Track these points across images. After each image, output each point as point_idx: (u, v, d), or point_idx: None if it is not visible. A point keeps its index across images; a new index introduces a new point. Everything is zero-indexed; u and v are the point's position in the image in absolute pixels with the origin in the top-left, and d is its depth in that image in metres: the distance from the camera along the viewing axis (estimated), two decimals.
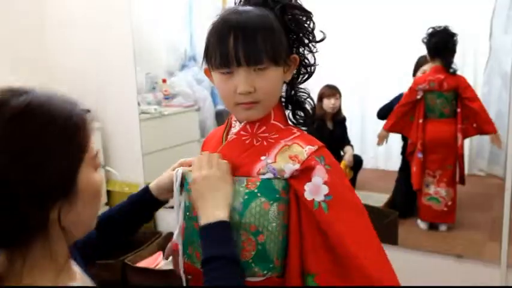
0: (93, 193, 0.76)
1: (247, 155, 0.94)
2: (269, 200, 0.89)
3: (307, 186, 0.87)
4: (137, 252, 2.46)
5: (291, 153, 0.90)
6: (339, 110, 2.62)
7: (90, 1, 2.78)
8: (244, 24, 0.87)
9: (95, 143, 0.78)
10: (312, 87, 1.04)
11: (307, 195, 0.87)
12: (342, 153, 2.63)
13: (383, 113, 2.52)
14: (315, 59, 1.00)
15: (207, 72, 0.98)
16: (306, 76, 1.02)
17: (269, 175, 0.90)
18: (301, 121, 1.01)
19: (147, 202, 1.07)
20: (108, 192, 2.92)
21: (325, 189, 0.87)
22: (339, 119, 2.64)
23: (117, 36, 2.70)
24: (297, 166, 0.88)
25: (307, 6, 0.97)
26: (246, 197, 0.89)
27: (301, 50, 0.98)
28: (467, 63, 2.35)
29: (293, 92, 1.01)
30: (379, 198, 2.58)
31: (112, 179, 2.91)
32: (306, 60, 1.00)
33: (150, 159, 2.78)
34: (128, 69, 2.70)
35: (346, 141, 2.65)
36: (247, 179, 0.91)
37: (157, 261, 2.35)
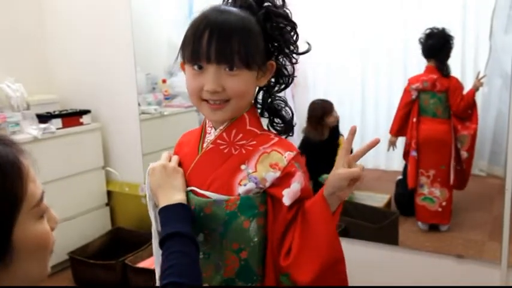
0: (36, 247, 0.63)
1: (227, 166, 0.92)
2: (248, 217, 0.90)
3: (286, 192, 0.89)
4: (137, 252, 2.46)
5: (271, 160, 0.90)
6: None
7: (90, 1, 2.78)
8: (222, 23, 0.86)
9: (42, 186, 0.65)
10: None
11: (285, 200, 0.89)
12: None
13: None
14: (294, 69, 0.98)
15: (183, 67, 0.94)
16: (283, 86, 0.99)
17: (251, 185, 0.89)
18: (280, 129, 1.00)
19: None
20: (109, 193, 2.92)
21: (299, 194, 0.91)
22: (333, 126, 2.63)
23: (117, 36, 2.71)
24: (278, 174, 0.89)
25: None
26: (227, 217, 0.89)
27: (281, 58, 0.96)
28: (467, 63, 2.34)
29: (269, 100, 0.99)
30: (379, 198, 2.58)
31: (112, 179, 2.91)
32: (285, 70, 0.97)
33: (150, 159, 2.74)
34: (128, 69, 2.70)
35: (339, 136, 2.63)
36: (225, 200, 0.89)
37: None
